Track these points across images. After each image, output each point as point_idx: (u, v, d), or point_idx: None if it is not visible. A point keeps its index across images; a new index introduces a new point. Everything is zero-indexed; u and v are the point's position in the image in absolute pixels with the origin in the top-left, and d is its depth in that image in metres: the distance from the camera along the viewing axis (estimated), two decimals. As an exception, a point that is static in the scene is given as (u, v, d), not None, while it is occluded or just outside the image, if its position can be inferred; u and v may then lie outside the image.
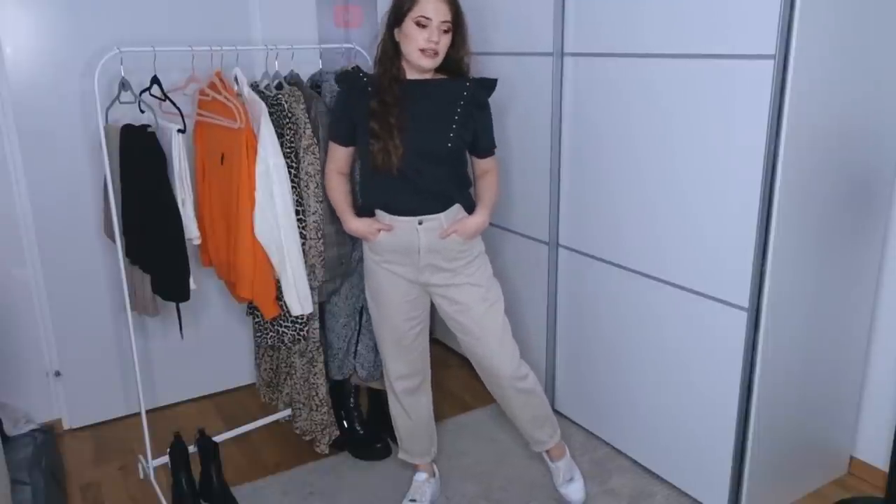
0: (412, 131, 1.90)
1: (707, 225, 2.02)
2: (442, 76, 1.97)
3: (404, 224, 1.97)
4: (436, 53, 1.88)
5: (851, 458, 2.39)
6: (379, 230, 1.99)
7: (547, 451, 2.26)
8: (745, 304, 1.95)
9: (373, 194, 2.03)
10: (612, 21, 2.21)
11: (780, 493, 2.22)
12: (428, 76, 1.95)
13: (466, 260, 2.03)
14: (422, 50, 1.86)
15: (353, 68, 2.05)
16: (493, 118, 2.05)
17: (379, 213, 2.01)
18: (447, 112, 1.94)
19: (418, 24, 1.85)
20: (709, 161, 1.98)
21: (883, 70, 1.97)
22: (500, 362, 2.06)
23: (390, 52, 1.93)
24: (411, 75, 1.94)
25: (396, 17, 1.90)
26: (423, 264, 2.01)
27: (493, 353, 2.06)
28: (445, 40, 1.89)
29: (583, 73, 2.36)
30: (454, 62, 1.96)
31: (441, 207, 1.98)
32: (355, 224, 2.03)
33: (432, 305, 2.14)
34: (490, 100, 2.02)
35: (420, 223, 1.96)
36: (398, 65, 1.93)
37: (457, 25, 1.90)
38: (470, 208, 2.03)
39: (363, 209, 2.06)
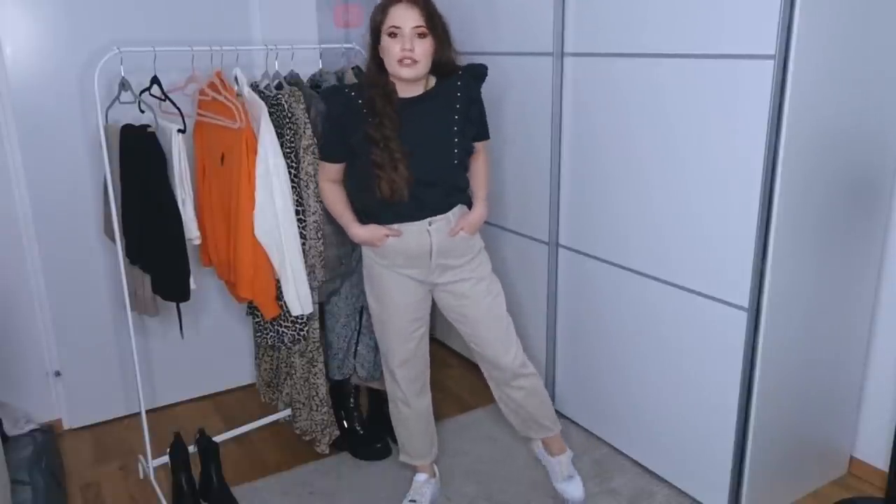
0: (415, 156, 1.87)
1: (707, 225, 2.02)
2: (433, 82, 1.94)
3: (414, 227, 1.96)
4: (414, 62, 1.84)
5: (851, 458, 2.39)
6: (386, 235, 1.97)
7: (547, 447, 2.26)
8: (745, 303, 1.95)
9: (375, 213, 1.99)
10: (612, 21, 2.21)
11: (780, 493, 2.22)
12: (420, 90, 1.92)
13: (471, 255, 2.05)
14: (399, 60, 1.83)
15: (357, 73, 2.04)
16: (490, 114, 2.05)
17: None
18: (446, 124, 1.92)
19: (391, 34, 1.83)
20: (709, 161, 1.98)
21: (883, 70, 1.97)
22: (507, 352, 2.09)
23: (375, 69, 1.91)
24: (403, 93, 1.91)
25: (374, 34, 1.89)
26: (434, 265, 2.01)
27: (499, 342, 2.08)
28: (423, 46, 1.84)
29: (583, 73, 2.36)
30: (442, 65, 1.93)
31: (448, 209, 1.99)
32: (360, 231, 2.00)
33: (433, 304, 2.15)
34: (489, 98, 2.00)
35: (430, 224, 1.96)
36: (387, 80, 1.90)
37: (433, 28, 1.85)
38: (470, 204, 2.06)
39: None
